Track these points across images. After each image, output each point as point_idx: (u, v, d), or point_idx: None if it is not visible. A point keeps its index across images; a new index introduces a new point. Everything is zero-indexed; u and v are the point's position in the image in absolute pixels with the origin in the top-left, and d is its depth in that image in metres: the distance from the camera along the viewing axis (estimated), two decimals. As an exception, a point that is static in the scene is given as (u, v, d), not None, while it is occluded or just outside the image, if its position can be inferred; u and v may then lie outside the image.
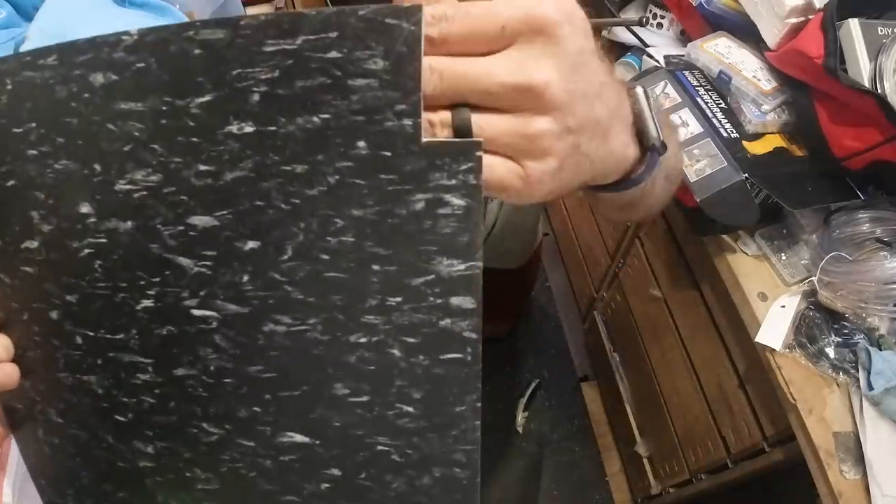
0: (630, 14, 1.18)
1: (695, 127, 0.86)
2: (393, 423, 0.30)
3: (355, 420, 0.31)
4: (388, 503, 0.33)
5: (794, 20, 0.81)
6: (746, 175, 0.79)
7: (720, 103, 0.89)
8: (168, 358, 0.31)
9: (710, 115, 0.87)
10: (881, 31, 0.74)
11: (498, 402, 1.66)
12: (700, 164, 0.83)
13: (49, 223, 0.29)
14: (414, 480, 0.32)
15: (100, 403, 0.33)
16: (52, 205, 0.29)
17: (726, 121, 0.86)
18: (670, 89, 0.90)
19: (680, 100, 0.89)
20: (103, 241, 0.29)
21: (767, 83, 0.85)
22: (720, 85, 0.89)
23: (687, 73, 0.92)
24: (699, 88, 0.90)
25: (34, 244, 0.30)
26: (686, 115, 0.87)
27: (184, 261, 0.28)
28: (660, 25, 1.12)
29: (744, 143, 0.83)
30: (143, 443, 0.33)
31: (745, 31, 0.90)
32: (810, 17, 0.80)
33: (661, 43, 1.09)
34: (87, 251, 0.29)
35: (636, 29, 1.14)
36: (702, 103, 0.88)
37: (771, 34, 0.85)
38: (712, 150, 0.82)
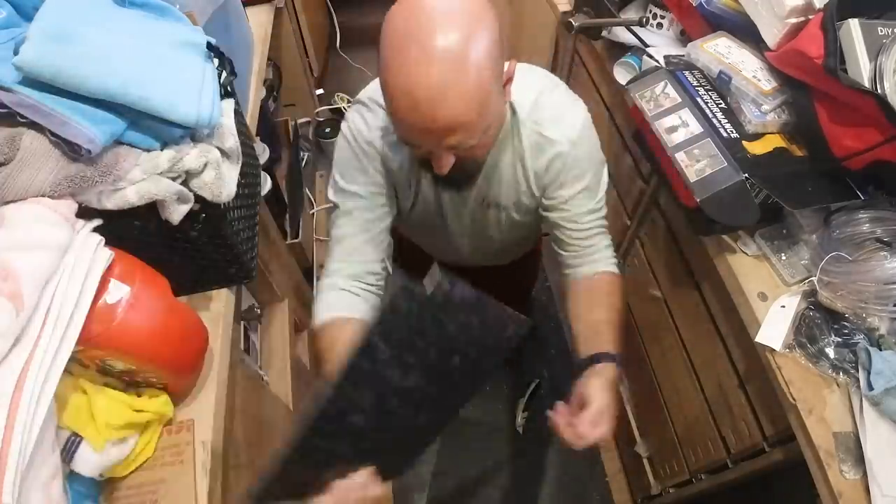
0: (630, 14, 1.18)
1: (695, 127, 0.86)
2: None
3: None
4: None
5: (793, 20, 0.81)
6: (746, 175, 0.79)
7: (720, 103, 0.89)
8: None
9: (709, 114, 0.87)
10: (881, 31, 0.74)
11: (498, 402, 1.66)
12: (700, 164, 0.83)
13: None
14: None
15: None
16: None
17: (726, 121, 0.86)
18: (670, 89, 0.90)
19: (680, 100, 0.89)
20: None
21: (767, 83, 0.85)
22: (720, 85, 0.89)
23: (687, 73, 0.92)
24: (699, 88, 0.90)
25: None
26: (686, 115, 0.87)
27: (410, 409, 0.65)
28: (660, 25, 1.12)
29: (744, 143, 0.84)
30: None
31: (745, 31, 0.90)
32: (810, 17, 0.80)
33: (661, 43, 1.09)
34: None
35: (636, 29, 1.14)
36: (702, 103, 0.88)
37: (771, 34, 0.85)
38: (712, 151, 0.83)
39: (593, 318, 0.82)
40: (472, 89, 0.60)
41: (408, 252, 1.09)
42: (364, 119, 0.81)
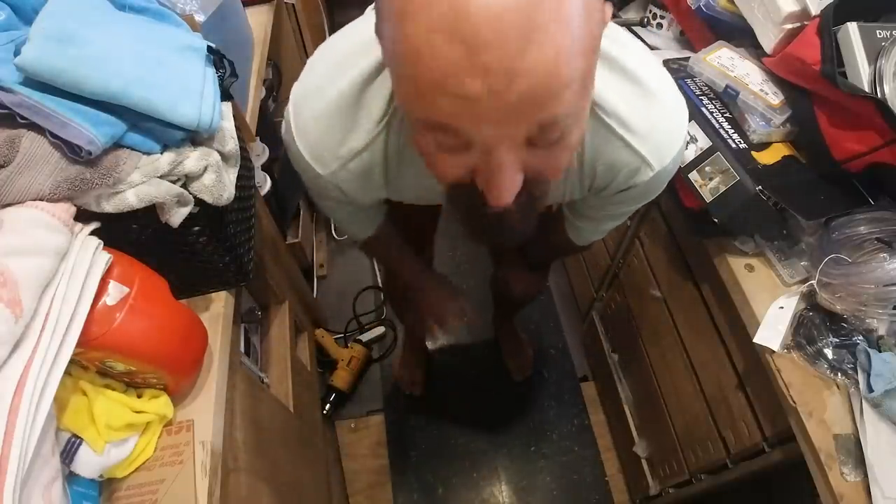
0: (630, 14, 1.18)
1: (703, 142, 0.84)
2: None
3: None
4: None
5: (790, 26, 0.81)
6: (760, 187, 0.78)
7: (724, 112, 0.87)
8: None
9: (716, 126, 0.85)
10: (880, 34, 0.74)
11: (497, 403, 1.66)
12: (713, 182, 0.81)
13: None
14: None
15: None
16: None
17: (733, 131, 0.85)
18: None
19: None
20: None
21: (775, 96, 0.84)
22: (727, 99, 0.88)
23: (689, 80, 0.91)
24: (702, 98, 0.89)
25: None
26: (694, 128, 0.86)
27: None
28: (660, 26, 1.12)
29: (753, 153, 0.82)
30: None
31: (744, 34, 0.90)
32: (806, 22, 0.80)
33: (661, 43, 1.09)
34: None
35: (636, 29, 1.14)
36: (707, 114, 0.86)
37: (767, 39, 0.85)
38: (724, 165, 0.81)
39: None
40: (576, 15, 0.34)
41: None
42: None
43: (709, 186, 0.82)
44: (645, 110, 0.56)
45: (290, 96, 0.61)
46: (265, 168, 1.47)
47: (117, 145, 0.59)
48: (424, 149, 0.43)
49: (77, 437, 0.59)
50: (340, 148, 0.58)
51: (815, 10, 0.79)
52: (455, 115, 0.36)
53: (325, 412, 1.57)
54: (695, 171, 0.84)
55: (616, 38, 0.56)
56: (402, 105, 0.41)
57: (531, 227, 0.51)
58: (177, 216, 0.62)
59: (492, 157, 0.39)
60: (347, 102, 0.56)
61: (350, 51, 0.56)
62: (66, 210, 0.56)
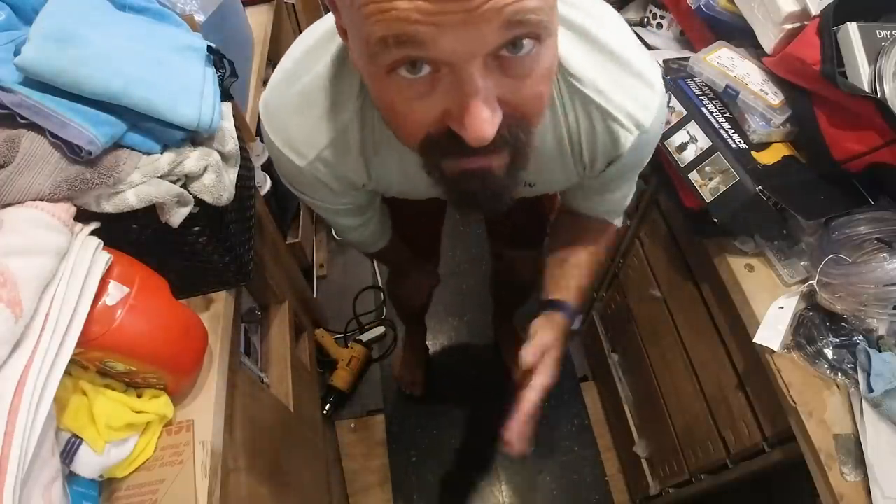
0: (630, 14, 1.18)
1: (703, 142, 0.84)
2: None
3: None
4: None
5: (790, 26, 0.81)
6: (760, 187, 0.78)
7: (724, 111, 0.87)
8: None
9: (716, 126, 0.85)
10: (880, 34, 0.74)
11: (497, 403, 1.66)
12: (713, 181, 0.81)
13: None
14: None
15: None
16: None
17: (733, 131, 0.85)
18: (675, 102, 0.89)
19: (686, 112, 0.87)
20: None
21: (775, 96, 0.84)
22: (726, 99, 0.88)
23: (689, 80, 0.91)
24: (702, 97, 0.89)
25: None
26: (693, 128, 0.85)
27: None
28: (660, 26, 1.12)
29: (753, 153, 0.82)
30: None
31: (744, 34, 0.90)
32: (806, 22, 0.80)
33: (661, 44, 1.09)
34: None
35: (636, 29, 1.14)
36: (707, 114, 0.86)
37: (767, 39, 0.85)
38: (724, 165, 0.81)
39: (569, 261, 0.79)
40: None
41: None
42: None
43: (709, 186, 0.82)
44: (617, 76, 0.56)
45: (261, 99, 0.60)
46: (265, 168, 1.47)
47: (117, 145, 0.59)
48: (390, 103, 0.42)
49: (77, 437, 0.59)
50: (315, 133, 0.57)
51: (815, 10, 0.79)
52: (415, 16, 0.33)
53: (325, 412, 1.57)
54: (695, 171, 0.84)
55: (589, 12, 0.56)
56: (361, 41, 0.37)
57: (515, 189, 0.50)
58: (177, 216, 0.62)
59: (462, 81, 0.37)
60: (321, 85, 0.55)
61: (319, 39, 0.56)
62: (66, 210, 0.56)
